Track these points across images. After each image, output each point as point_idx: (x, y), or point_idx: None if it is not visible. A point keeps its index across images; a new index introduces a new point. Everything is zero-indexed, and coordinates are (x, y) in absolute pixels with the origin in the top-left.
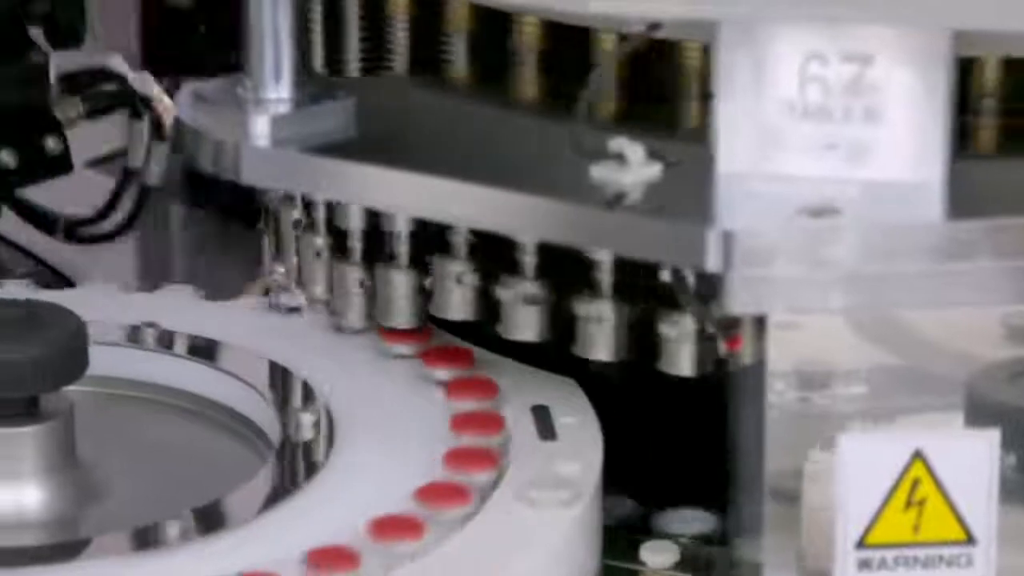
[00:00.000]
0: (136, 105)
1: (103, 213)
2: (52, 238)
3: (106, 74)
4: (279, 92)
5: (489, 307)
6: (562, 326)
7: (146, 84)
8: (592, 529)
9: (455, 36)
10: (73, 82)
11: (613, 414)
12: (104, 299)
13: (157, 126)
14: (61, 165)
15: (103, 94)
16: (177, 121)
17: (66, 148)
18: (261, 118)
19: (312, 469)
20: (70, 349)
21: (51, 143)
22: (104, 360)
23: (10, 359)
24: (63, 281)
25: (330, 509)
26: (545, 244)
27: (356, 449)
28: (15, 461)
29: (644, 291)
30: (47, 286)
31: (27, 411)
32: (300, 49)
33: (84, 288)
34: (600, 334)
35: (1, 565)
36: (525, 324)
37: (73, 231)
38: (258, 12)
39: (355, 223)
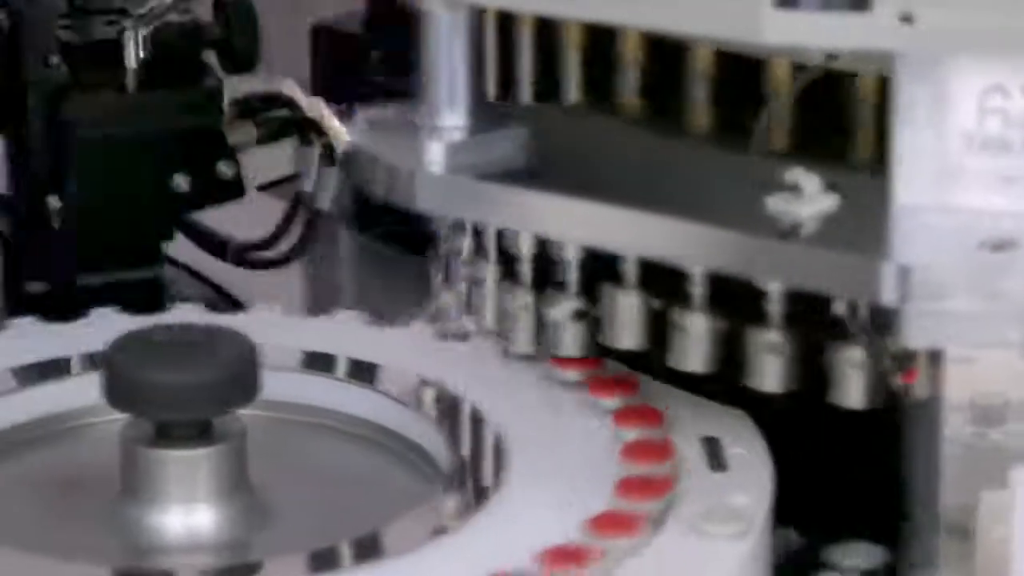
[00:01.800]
0: (307, 131)
1: (273, 239)
2: (222, 262)
3: (279, 99)
4: (454, 119)
5: (658, 336)
6: (731, 357)
7: (318, 110)
8: (762, 562)
9: (627, 65)
10: (246, 107)
11: (781, 445)
12: (273, 323)
13: (328, 152)
14: (234, 190)
15: (276, 119)
16: (350, 147)
17: (239, 173)
18: (436, 145)
19: (481, 497)
20: (243, 373)
21: (224, 168)
22: (274, 384)
23: (184, 382)
24: (233, 304)
25: (500, 538)
26: (715, 274)
27: (525, 477)
28: (189, 483)
29: (816, 322)
30: (217, 309)
31: (201, 434)
32: (474, 76)
33: (254, 312)
34: (770, 365)
35: None
36: (694, 354)
37: (243, 256)
38: (434, 39)
39: (525, 250)
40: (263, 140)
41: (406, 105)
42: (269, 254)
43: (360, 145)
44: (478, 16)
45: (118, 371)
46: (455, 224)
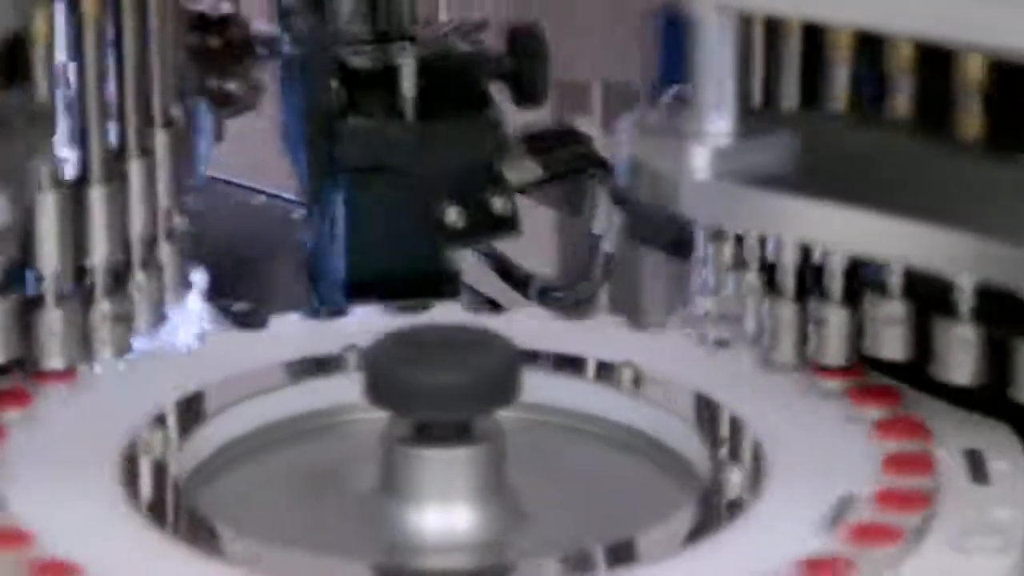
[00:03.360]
0: (597, 168)
1: (574, 281)
2: (526, 299)
3: (568, 135)
4: (721, 124)
5: (922, 348)
6: (998, 369)
7: (610, 148)
8: None
9: (896, 73)
10: (532, 142)
11: None
12: (533, 325)
13: (619, 193)
14: (508, 226)
15: (564, 156)
16: (617, 151)
17: (514, 209)
18: (702, 150)
19: (739, 504)
20: (505, 375)
21: (499, 204)
22: (532, 386)
23: (446, 382)
24: (492, 306)
25: (756, 546)
26: (984, 286)
27: (784, 485)
28: (447, 483)
29: None
30: (476, 310)
31: (460, 434)
32: (742, 82)
33: (513, 313)
34: None
35: None
36: (959, 366)
37: (545, 295)
38: (703, 44)
39: (789, 258)
40: (549, 177)
41: (674, 108)
42: (568, 294)
43: (626, 149)
44: (746, 22)
45: (380, 369)
46: (718, 229)
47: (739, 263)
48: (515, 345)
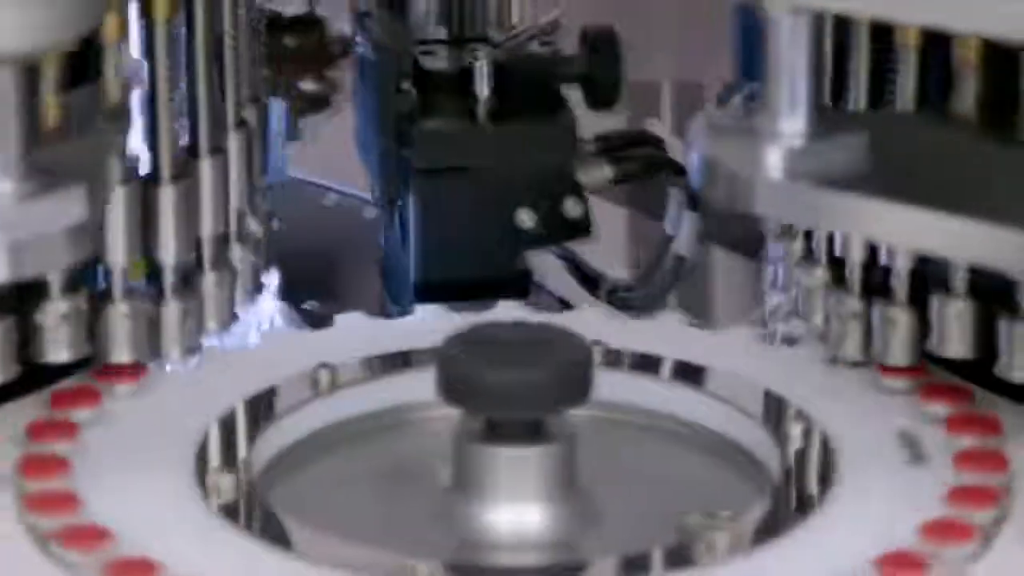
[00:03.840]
0: (671, 173)
1: (643, 281)
2: (596, 299)
3: (643, 138)
4: (794, 125)
5: (987, 346)
6: None
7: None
8: None
9: (963, 72)
10: (605, 145)
11: None
12: (599, 322)
13: (692, 196)
14: (580, 228)
15: (636, 159)
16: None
17: (587, 212)
18: (776, 150)
19: (809, 502)
20: (577, 373)
21: (570, 206)
22: (603, 384)
23: (518, 380)
24: (560, 304)
25: (832, 543)
26: None
27: (856, 482)
28: (518, 481)
29: None
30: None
31: (532, 433)
32: (815, 82)
33: (581, 311)
34: None
35: None
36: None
37: (614, 295)
38: (777, 44)
39: (856, 256)
40: (620, 180)
41: (747, 107)
42: (637, 295)
43: (700, 149)
44: (819, 21)
45: (452, 367)
46: (786, 227)
47: (808, 261)
48: (588, 344)
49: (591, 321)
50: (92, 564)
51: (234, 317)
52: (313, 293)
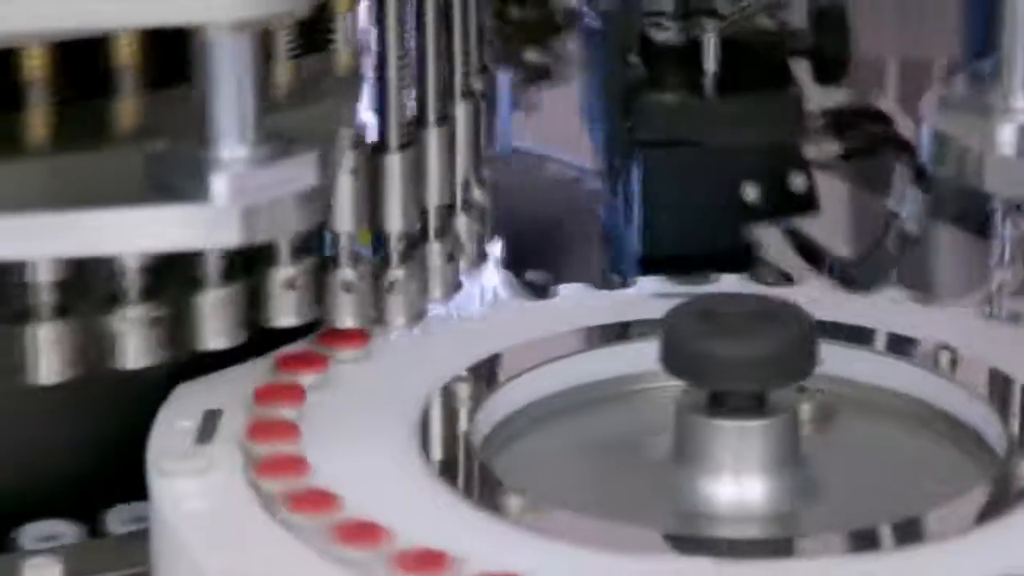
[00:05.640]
0: (899, 149)
1: (865, 257)
2: (820, 274)
3: (870, 113)
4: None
5: None
6: None
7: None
8: None
9: None
10: (833, 120)
11: None
12: (820, 296)
13: (919, 173)
14: (805, 204)
15: (863, 135)
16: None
17: (813, 188)
18: (1008, 126)
19: None
20: (801, 347)
21: (797, 181)
22: (826, 358)
23: (742, 353)
24: (783, 277)
25: None
26: None
27: None
28: (741, 455)
29: None
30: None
31: (755, 406)
32: None
33: (802, 286)
34: None
35: (721, 556)
36: None
37: (839, 270)
38: (1012, 17)
39: None
40: (847, 155)
41: (980, 84)
42: (861, 270)
43: (931, 125)
44: None
45: (676, 339)
46: (1015, 205)
47: None
48: (812, 317)
49: (814, 295)
50: (319, 527)
51: (458, 286)
52: (536, 263)
